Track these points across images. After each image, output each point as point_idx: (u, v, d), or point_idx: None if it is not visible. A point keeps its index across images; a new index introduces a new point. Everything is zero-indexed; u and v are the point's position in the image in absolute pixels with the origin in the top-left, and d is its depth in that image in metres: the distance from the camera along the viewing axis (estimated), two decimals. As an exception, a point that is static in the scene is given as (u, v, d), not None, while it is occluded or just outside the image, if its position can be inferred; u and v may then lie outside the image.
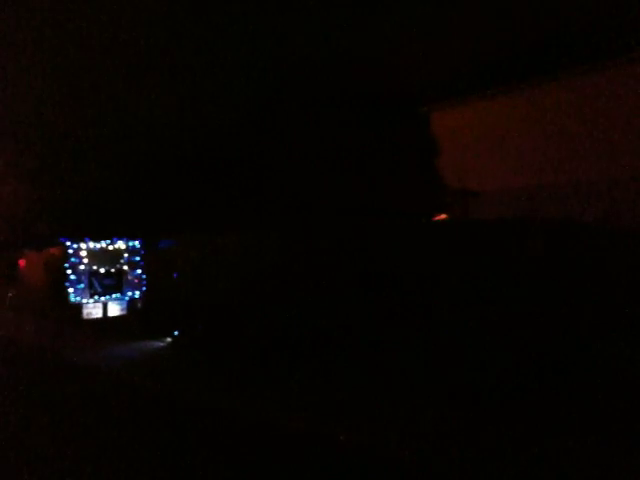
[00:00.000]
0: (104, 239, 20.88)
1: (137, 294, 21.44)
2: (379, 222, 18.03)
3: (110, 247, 21.13)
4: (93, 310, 20.66)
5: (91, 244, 20.79)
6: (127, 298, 21.25)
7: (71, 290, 20.26)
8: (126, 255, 21.40)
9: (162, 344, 20.12)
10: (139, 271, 21.55)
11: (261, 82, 20.14)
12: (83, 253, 20.65)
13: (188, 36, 14.01)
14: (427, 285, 14.19)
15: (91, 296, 20.63)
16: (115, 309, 21.16)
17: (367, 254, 16.09)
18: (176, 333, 20.15)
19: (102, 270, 20.88)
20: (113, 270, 21.10)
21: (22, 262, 29.18)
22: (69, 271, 20.28)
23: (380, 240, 16.46)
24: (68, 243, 20.45)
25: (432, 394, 9.08)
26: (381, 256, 15.95)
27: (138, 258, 21.62)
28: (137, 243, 21.61)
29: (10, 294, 29.49)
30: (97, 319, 20.85)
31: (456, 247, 15.12)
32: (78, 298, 20.40)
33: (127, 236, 21.08)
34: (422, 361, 10.87)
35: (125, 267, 21.36)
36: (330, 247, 16.26)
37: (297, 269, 16.20)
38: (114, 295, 20.99)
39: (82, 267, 20.51)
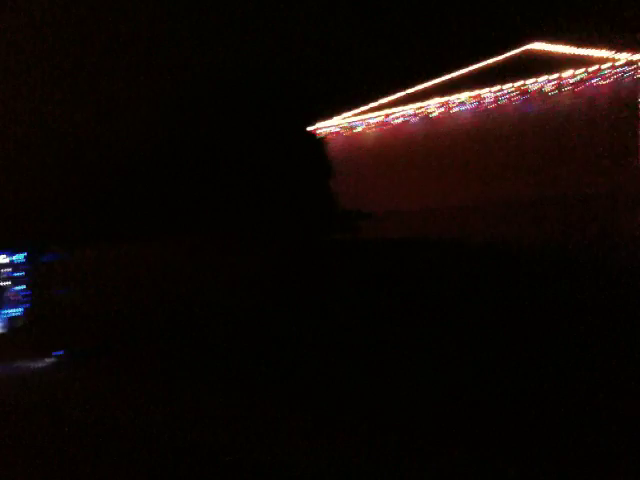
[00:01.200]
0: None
1: (18, 311, 20.28)
2: (276, 239, 18.22)
3: (-12, 261, 19.92)
4: (-32, 328, 19.33)
5: (-33, 258, 19.53)
6: (6, 315, 20.05)
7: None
8: (7, 270, 20.24)
9: (44, 364, 19.12)
10: (21, 287, 20.43)
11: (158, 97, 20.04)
12: (-42, 267, 19.36)
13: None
14: (318, 302, 14.49)
15: (-35, 314, 19.32)
16: (-8, 327, 19.89)
17: (265, 269, 16.20)
18: (61, 352, 19.21)
19: (-23, 286, 19.60)
20: (-10, 286, 19.88)
21: None
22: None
23: (277, 256, 16.64)
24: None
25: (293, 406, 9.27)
26: (278, 271, 16.12)
27: (22, 273, 20.50)
28: (22, 257, 20.51)
29: None
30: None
31: (349, 263, 15.58)
32: (-49, 316, 19.04)
33: (10, 249, 19.98)
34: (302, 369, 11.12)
35: (5, 283, 20.20)
36: (226, 262, 16.25)
37: (191, 284, 16.05)
38: (-9, 312, 19.75)
39: (-44, 283, 19.21)
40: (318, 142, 23.81)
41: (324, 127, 24.19)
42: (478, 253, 14.08)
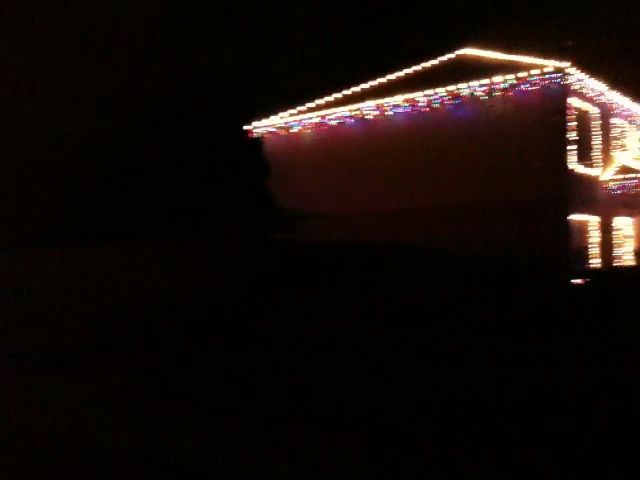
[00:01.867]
0: None
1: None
2: (212, 241, 17.95)
3: None
4: None
5: None
6: None
7: None
8: None
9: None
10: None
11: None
12: None
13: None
14: (259, 302, 14.38)
15: None
16: None
17: (202, 272, 15.91)
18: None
19: None
20: None
21: None
22: None
23: (214, 259, 16.38)
24: None
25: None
26: (221, 272, 15.88)
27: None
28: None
29: None
30: None
31: (291, 263, 15.50)
32: None
33: None
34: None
35: None
36: (163, 266, 15.89)
37: (127, 287, 15.65)
38: None
39: None
40: (255, 142, 23.66)
41: (260, 127, 24.07)
42: (409, 254, 14.29)
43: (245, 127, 23.91)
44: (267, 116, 23.90)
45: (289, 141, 23.60)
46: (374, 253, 13.91)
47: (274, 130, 23.90)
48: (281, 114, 23.62)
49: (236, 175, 20.39)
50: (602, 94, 20.62)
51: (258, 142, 23.64)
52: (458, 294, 12.34)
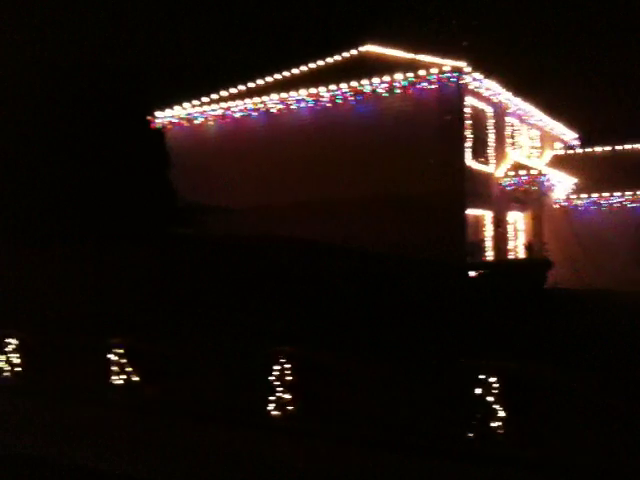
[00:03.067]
0: None
1: None
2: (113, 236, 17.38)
3: None
4: None
5: None
6: None
7: None
8: None
9: None
10: None
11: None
12: None
13: None
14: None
15: None
16: None
17: (103, 269, 15.37)
18: None
19: None
20: None
21: None
22: None
23: (113, 256, 15.86)
24: None
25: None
26: (113, 269, 15.40)
27: None
28: None
29: None
30: None
31: (194, 259, 15.24)
32: None
33: None
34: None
35: None
36: (51, 263, 15.24)
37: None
38: None
39: None
40: (157, 133, 23.04)
41: (163, 117, 23.47)
42: (308, 248, 14.43)
43: (147, 117, 23.26)
44: (170, 106, 23.35)
45: (192, 133, 23.18)
46: (272, 247, 13.93)
47: (176, 121, 23.39)
48: (185, 104, 23.15)
49: (136, 167, 19.79)
50: (496, 94, 21.54)
51: (160, 133, 23.05)
52: (356, 288, 12.58)
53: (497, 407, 7.79)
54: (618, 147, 26.34)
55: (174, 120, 23.39)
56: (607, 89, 39.82)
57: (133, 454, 8.10)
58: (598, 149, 26.86)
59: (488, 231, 21.39)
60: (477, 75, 19.61)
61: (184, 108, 23.15)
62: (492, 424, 7.73)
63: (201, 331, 11.25)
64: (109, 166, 19.01)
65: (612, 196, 23.16)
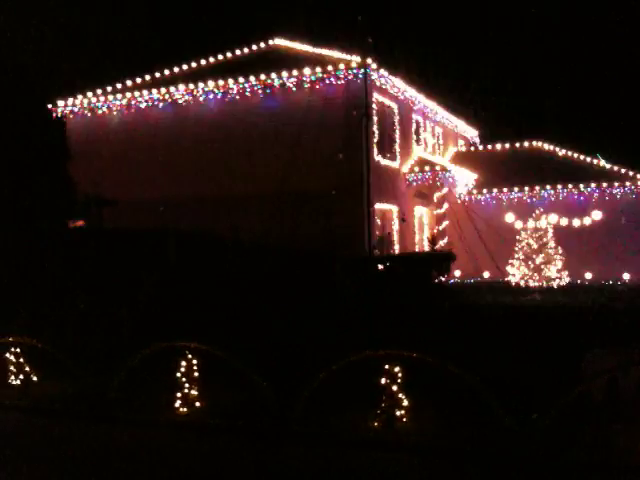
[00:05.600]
0: None
1: None
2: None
3: None
4: None
5: None
6: None
7: None
8: None
9: None
10: None
11: None
12: None
13: None
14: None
15: None
16: None
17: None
18: None
19: None
20: None
21: None
22: None
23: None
24: None
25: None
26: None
27: None
28: None
29: None
30: None
31: (92, 251, 14.76)
32: None
33: None
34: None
35: None
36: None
37: None
38: None
39: None
40: (57, 123, 22.09)
41: (64, 106, 22.48)
42: (210, 242, 14.30)
43: (46, 106, 22.26)
44: (73, 95, 22.39)
45: (96, 123, 22.34)
46: (169, 240, 13.71)
47: (79, 110, 22.47)
48: (88, 94, 22.25)
49: (33, 158, 18.93)
50: (402, 91, 22.06)
51: (61, 123, 22.11)
52: (260, 283, 12.57)
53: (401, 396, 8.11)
54: (517, 144, 27.57)
55: (76, 110, 22.47)
56: (508, 88, 41.62)
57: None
58: (498, 146, 28.01)
59: (395, 225, 21.90)
60: (383, 72, 20.00)
61: (87, 97, 22.27)
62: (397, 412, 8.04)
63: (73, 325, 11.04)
64: (7, 156, 18.10)
65: (511, 192, 24.28)
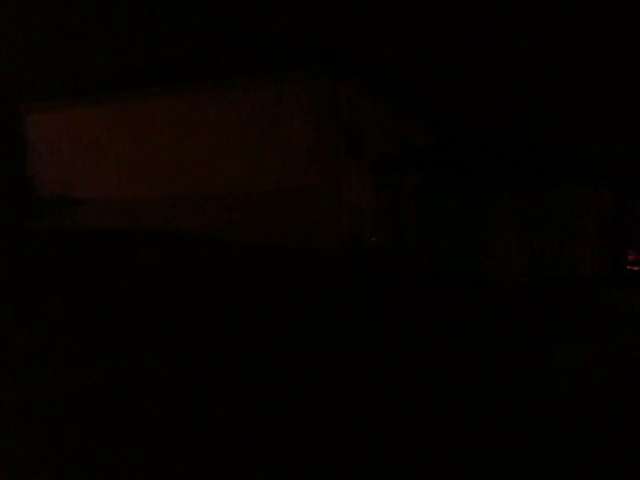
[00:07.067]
0: None
1: None
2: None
3: None
4: None
5: None
6: None
7: None
8: None
9: None
10: None
11: None
12: None
13: None
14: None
15: None
16: None
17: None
18: None
19: None
20: None
21: None
22: None
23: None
24: None
25: None
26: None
27: None
28: None
29: None
30: None
31: (61, 252, 14.10)
32: None
33: None
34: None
35: None
36: None
37: None
38: None
39: None
40: (14, 120, 21.38)
41: (21, 104, 21.72)
42: (176, 241, 13.76)
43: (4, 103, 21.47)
44: (32, 93, 21.71)
45: (55, 122, 21.60)
46: (133, 240, 13.14)
47: (38, 108, 21.70)
48: (48, 91, 21.54)
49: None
50: (373, 89, 21.71)
51: (18, 121, 21.38)
52: (232, 282, 12.09)
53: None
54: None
55: (35, 107, 21.69)
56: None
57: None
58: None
59: (367, 221, 21.50)
60: (353, 70, 19.60)
61: (47, 94, 21.56)
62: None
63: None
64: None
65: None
